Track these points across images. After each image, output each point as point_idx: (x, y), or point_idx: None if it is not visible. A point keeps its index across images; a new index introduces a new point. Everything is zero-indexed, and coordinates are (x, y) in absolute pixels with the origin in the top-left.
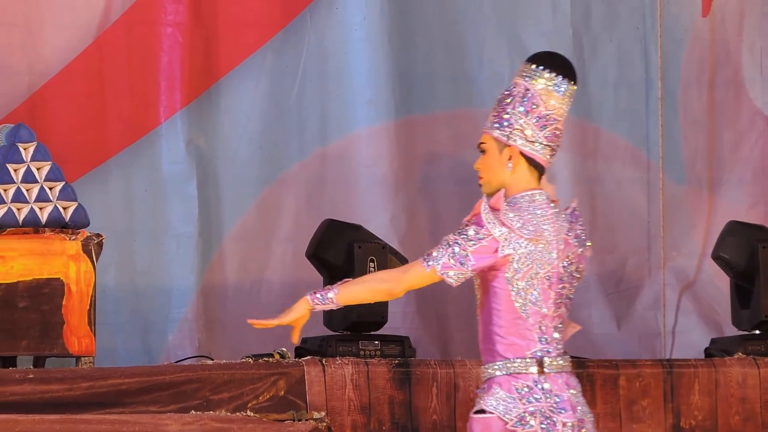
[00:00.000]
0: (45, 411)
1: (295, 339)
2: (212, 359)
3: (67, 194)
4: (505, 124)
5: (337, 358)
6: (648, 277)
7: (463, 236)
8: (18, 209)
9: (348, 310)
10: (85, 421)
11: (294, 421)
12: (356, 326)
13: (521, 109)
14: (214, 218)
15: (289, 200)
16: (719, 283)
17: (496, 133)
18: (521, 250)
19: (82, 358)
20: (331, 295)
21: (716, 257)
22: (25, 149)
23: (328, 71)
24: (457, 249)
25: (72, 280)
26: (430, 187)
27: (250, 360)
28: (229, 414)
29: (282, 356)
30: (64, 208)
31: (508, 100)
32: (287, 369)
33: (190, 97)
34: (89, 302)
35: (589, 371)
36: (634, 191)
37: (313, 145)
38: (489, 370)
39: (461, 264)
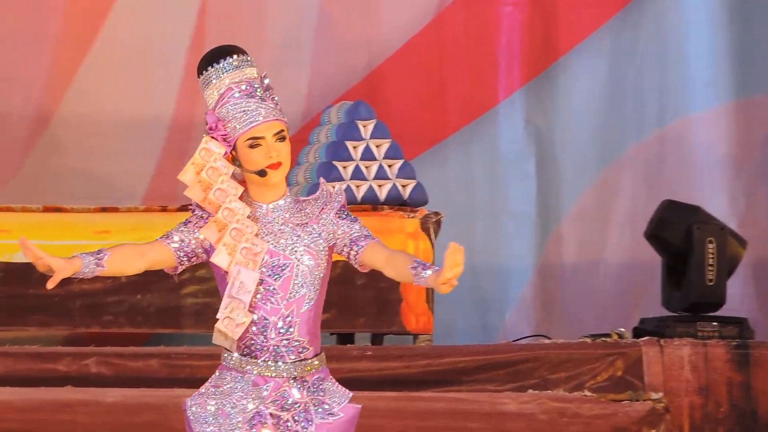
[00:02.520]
0: (382, 388)
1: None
2: (549, 338)
3: (406, 172)
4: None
5: (675, 339)
6: None
7: None
8: (357, 186)
9: (687, 291)
10: (422, 398)
11: (631, 401)
12: (694, 307)
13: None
14: (552, 198)
15: (627, 181)
16: None
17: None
18: None
19: (420, 336)
20: None
21: None
22: (364, 126)
23: (666, 52)
24: None
25: None
26: None
27: (588, 340)
28: (566, 393)
29: (620, 336)
30: (403, 186)
31: (271, 88)
32: (625, 349)
33: (529, 76)
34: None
35: None
36: None
37: (651, 127)
38: (322, 361)
39: None
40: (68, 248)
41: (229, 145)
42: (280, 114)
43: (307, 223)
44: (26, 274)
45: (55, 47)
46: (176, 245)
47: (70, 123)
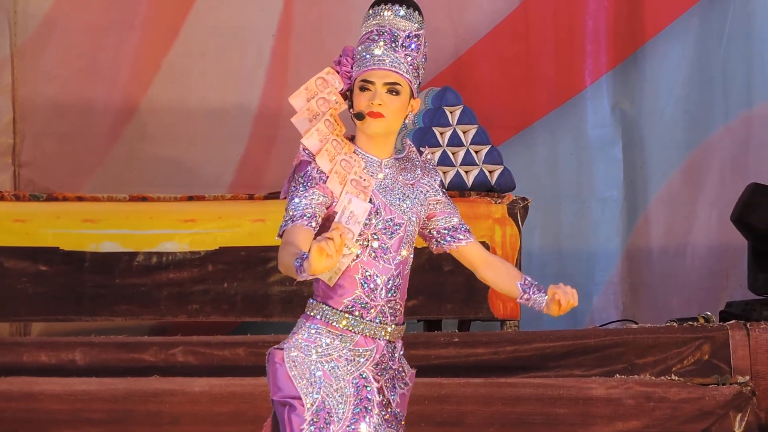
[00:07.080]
0: (469, 374)
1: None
2: (636, 323)
3: (493, 157)
4: (419, 74)
5: (762, 323)
6: None
7: None
8: (444, 172)
9: None
10: (510, 384)
11: (718, 385)
12: None
13: (423, 61)
14: (639, 182)
15: (714, 164)
16: None
17: (412, 82)
18: None
19: (507, 322)
20: None
21: None
22: (451, 112)
23: (753, 34)
24: None
25: (497, 244)
26: None
27: (675, 324)
28: (653, 378)
29: (707, 320)
30: (490, 172)
31: (421, 48)
32: (712, 333)
33: (616, 60)
34: (515, 265)
35: None
36: None
37: (738, 109)
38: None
39: None
40: (154, 237)
41: (348, 84)
42: (406, 69)
43: (413, 184)
44: (112, 263)
45: (141, 36)
46: (314, 223)
47: (157, 112)
